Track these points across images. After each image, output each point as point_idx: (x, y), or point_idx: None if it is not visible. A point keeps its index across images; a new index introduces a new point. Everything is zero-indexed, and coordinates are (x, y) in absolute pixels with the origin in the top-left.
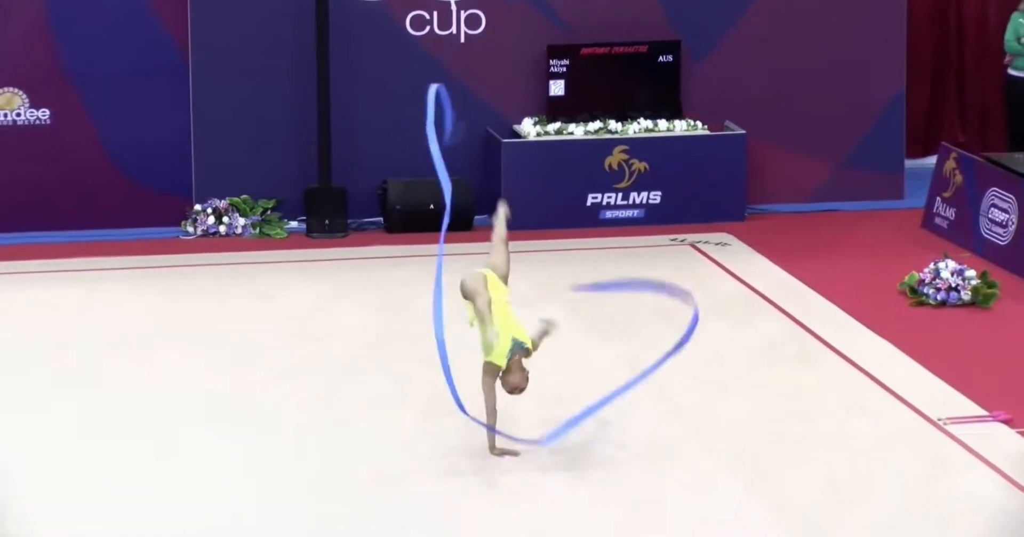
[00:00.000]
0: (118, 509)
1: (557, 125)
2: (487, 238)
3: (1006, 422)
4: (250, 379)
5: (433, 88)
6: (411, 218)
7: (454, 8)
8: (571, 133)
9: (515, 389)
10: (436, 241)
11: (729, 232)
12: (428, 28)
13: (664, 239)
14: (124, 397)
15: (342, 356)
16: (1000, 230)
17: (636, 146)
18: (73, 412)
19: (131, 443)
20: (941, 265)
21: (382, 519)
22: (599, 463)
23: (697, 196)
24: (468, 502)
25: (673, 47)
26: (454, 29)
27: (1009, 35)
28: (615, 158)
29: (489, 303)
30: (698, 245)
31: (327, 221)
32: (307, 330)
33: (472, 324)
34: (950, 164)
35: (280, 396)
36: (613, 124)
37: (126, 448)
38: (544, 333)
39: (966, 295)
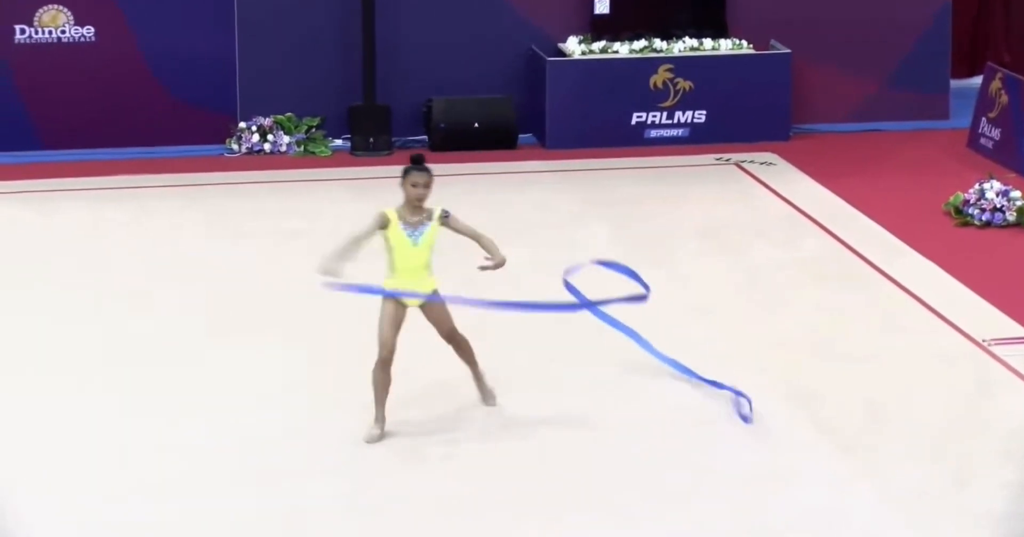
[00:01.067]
0: (143, 423)
1: (602, 43)
2: (530, 157)
3: None
4: (293, 295)
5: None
6: (455, 136)
7: None
8: (616, 52)
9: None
10: (479, 160)
11: (774, 151)
12: None
13: (709, 158)
14: (168, 313)
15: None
16: None
17: (681, 65)
18: (119, 327)
19: (169, 356)
20: (986, 186)
21: (411, 436)
22: (643, 384)
23: (742, 115)
24: (496, 418)
25: None
26: None
27: None
28: (660, 77)
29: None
30: (743, 164)
31: (371, 139)
32: None
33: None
34: (996, 84)
35: (322, 311)
36: (658, 43)
37: (163, 358)
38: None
39: (1011, 216)
